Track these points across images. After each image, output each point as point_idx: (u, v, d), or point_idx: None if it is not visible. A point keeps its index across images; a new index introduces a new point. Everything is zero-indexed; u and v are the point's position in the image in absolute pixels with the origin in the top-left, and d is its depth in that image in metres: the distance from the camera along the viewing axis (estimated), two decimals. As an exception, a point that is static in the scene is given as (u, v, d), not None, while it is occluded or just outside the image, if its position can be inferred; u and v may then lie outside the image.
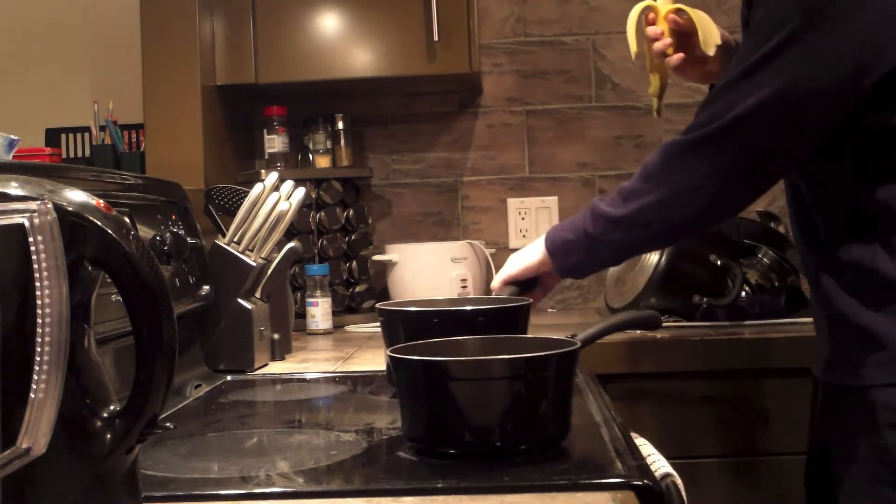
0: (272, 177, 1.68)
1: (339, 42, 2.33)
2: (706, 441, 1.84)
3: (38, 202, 0.60)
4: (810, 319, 1.38)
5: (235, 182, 2.29)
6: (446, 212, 2.62)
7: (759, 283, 2.02)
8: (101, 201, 0.65)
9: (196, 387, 1.46)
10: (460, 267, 2.34)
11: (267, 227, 1.64)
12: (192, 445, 1.10)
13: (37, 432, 0.59)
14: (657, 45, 1.46)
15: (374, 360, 1.74)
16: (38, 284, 0.60)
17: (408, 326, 1.30)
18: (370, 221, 2.52)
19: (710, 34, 1.41)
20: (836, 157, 1.24)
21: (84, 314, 0.65)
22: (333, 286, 2.36)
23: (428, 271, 2.36)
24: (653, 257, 1.99)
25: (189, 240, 1.50)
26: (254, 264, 1.64)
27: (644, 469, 0.88)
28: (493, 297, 1.48)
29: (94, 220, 0.63)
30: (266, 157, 2.47)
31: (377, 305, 1.39)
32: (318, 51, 2.32)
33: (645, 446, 1.11)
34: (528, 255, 1.46)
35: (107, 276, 0.65)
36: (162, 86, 2.20)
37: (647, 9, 1.47)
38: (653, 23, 1.47)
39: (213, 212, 1.98)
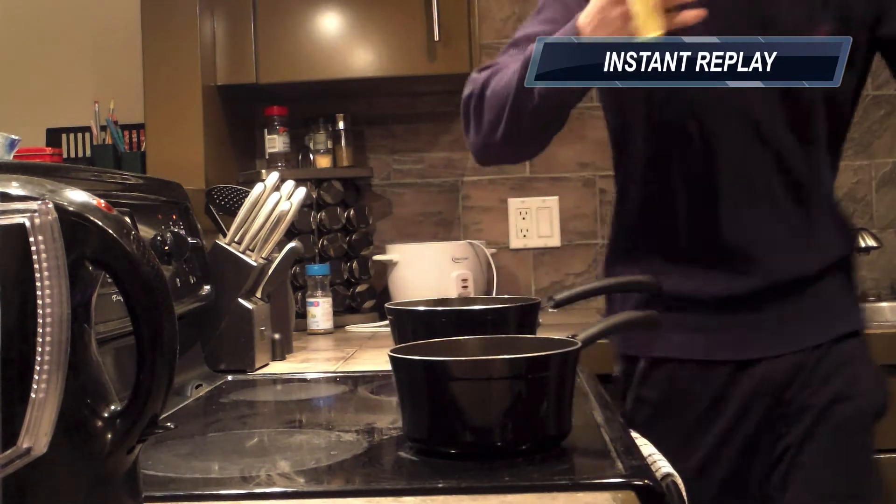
0: (273, 177, 1.68)
1: (339, 42, 2.33)
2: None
3: (39, 202, 0.60)
4: None
5: (236, 182, 2.29)
6: (447, 212, 2.62)
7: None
8: (102, 201, 0.65)
9: (197, 387, 1.46)
10: (461, 267, 2.34)
11: (268, 226, 1.64)
12: (192, 445, 1.10)
13: (37, 432, 0.59)
14: None
15: (375, 360, 1.74)
16: (38, 284, 0.59)
17: (416, 325, 1.31)
18: (371, 221, 2.52)
19: None
20: None
21: (85, 314, 0.65)
22: (334, 286, 2.36)
23: (429, 271, 2.36)
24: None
25: (190, 240, 1.49)
26: (254, 264, 1.64)
27: (645, 469, 0.88)
28: (498, 297, 1.49)
29: (95, 220, 0.63)
30: (267, 156, 2.47)
31: (386, 305, 1.40)
32: (318, 51, 2.32)
33: (646, 446, 1.11)
34: None
35: (107, 275, 0.65)
36: (163, 86, 2.20)
37: None
38: None
39: (214, 212, 1.98)
